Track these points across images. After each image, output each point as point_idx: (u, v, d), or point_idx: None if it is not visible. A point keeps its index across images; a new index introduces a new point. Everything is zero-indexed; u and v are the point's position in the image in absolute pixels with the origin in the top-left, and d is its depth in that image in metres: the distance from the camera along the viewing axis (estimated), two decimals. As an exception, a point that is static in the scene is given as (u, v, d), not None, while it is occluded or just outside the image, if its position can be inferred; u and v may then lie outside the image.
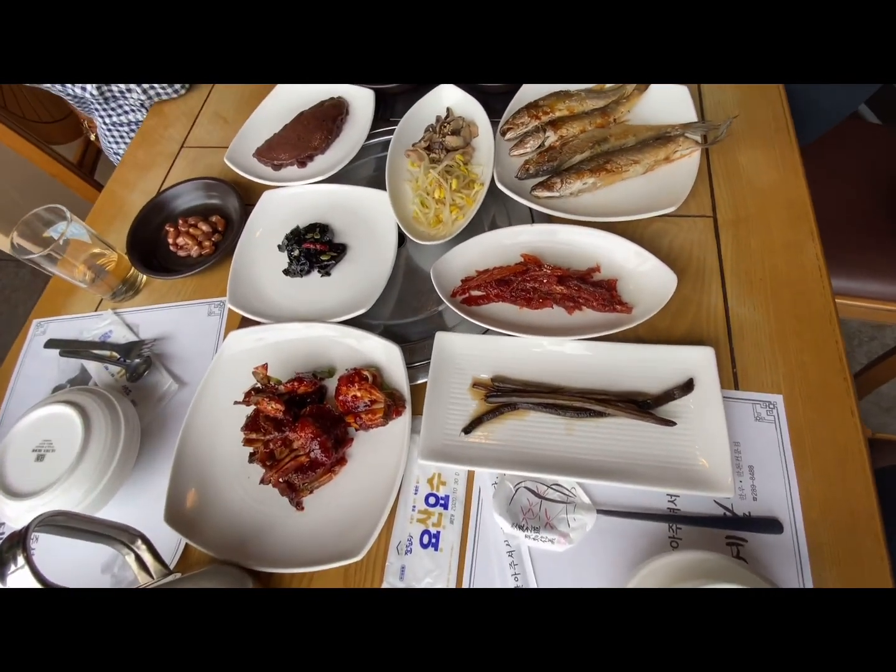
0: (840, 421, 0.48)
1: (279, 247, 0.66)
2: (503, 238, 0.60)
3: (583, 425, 0.49)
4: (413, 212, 0.65)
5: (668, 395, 0.49)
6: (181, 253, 0.69)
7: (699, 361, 0.50)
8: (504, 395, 0.51)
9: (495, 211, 0.67)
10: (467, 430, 0.50)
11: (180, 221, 0.70)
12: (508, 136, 0.67)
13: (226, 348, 0.57)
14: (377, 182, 0.68)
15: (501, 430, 0.50)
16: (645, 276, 0.55)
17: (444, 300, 0.56)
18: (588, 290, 0.54)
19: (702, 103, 0.70)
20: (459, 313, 0.55)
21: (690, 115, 0.65)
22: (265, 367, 0.51)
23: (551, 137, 0.66)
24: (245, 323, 0.62)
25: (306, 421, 0.47)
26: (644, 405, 0.49)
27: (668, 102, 0.67)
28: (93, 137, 1.34)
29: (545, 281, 0.55)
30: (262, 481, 0.48)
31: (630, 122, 0.68)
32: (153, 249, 0.70)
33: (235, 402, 0.51)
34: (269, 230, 0.68)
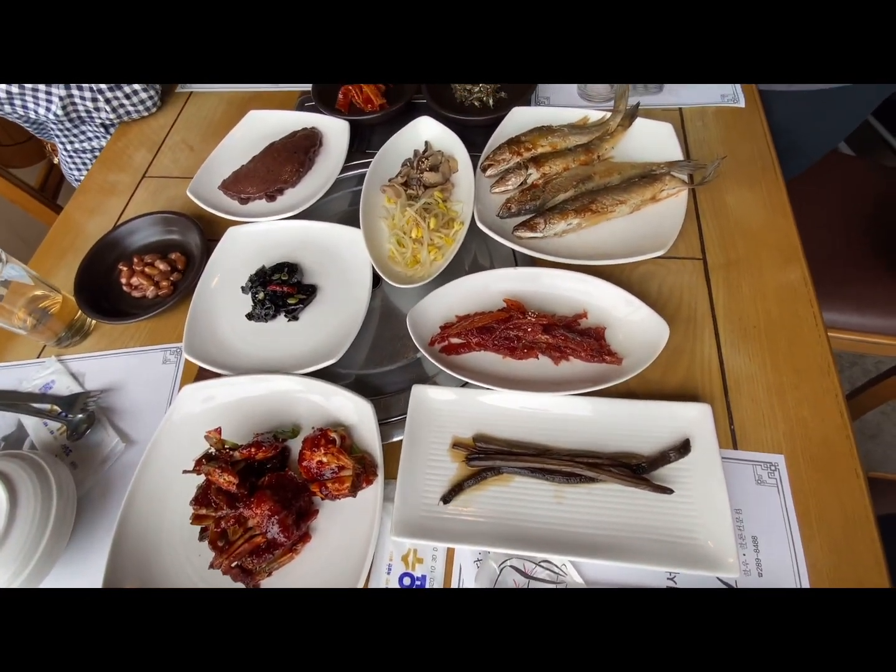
0: (845, 484, 0.45)
1: (243, 288, 0.61)
2: (484, 281, 0.56)
3: (573, 492, 0.45)
4: (389, 251, 0.61)
5: (664, 458, 0.45)
6: (135, 294, 0.64)
7: (695, 419, 0.46)
8: (487, 458, 0.46)
9: (476, 249, 0.64)
10: (446, 498, 0.45)
11: (135, 260, 0.64)
12: (489, 172, 0.64)
13: (178, 406, 0.51)
14: (351, 218, 0.64)
15: (484, 498, 0.45)
16: (635, 324, 0.51)
17: (422, 350, 0.52)
18: (575, 339, 0.50)
19: (686, 140, 0.68)
20: (438, 365, 0.51)
21: (676, 153, 0.63)
22: (219, 430, 0.46)
23: (534, 175, 0.63)
24: (203, 374, 0.56)
25: (264, 495, 0.42)
26: (638, 469, 0.45)
27: (652, 139, 0.65)
28: (56, 161, 1.28)
29: (529, 329, 0.51)
30: (212, 566, 0.42)
31: (614, 159, 0.65)
32: (105, 290, 0.64)
33: (185, 472, 0.45)
34: (232, 270, 0.63)
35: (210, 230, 0.69)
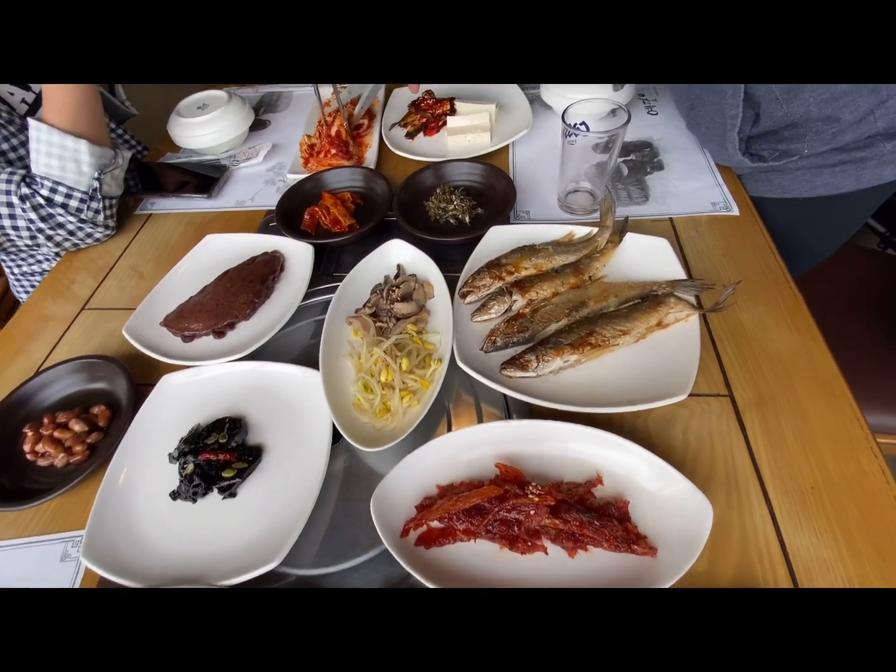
0: None
1: (171, 456, 0.49)
2: (471, 442, 0.45)
3: None
4: (354, 397, 0.51)
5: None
6: (41, 462, 0.51)
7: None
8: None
9: (459, 386, 0.54)
10: None
11: (45, 420, 0.53)
12: (469, 299, 0.56)
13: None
14: (313, 353, 0.54)
15: None
16: (668, 501, 0.40)
17: (390, 547, 0.39)
18: (593, 524, 0.39)
19: (683, 252, 0.62)
20: (412, 571, 0.38)
21: (676, 270, 0.57)
22: None
23: (519, 302, 0.55)
24: (105, 583, 0.43)
25: None
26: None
27: (647, 255, 0.59)
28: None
29: (533, 512, 0.39)
30: None
31: (608, 278, 0.59)
32: (5, 463, 0.52)
33: None
34: (161, 429, 0.52)
35: (147, 374, 0.59)
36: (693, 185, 0.71)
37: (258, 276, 0.63)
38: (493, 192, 0.72)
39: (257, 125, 0.97)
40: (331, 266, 0.69)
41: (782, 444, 0.45)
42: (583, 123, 0.64)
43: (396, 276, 0.61)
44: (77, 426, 0.52)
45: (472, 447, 0.44)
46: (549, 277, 0.56)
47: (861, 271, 0.96)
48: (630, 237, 0.60)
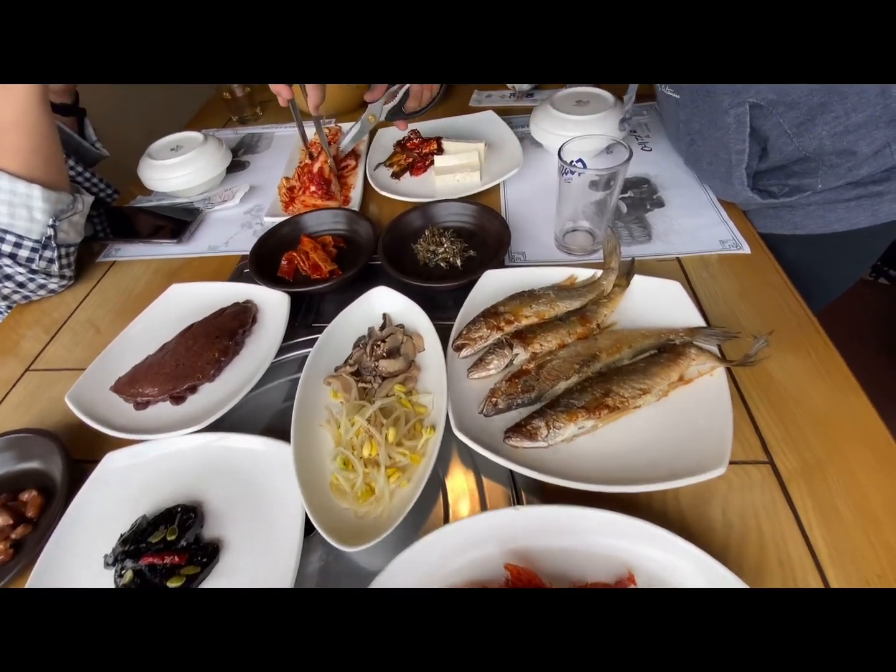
0: None
1: (106, 560, 0.40)
2: (473, 538, 0.37)
3: None
4: (332, 476, 0.43)
5: None
6: (-50, 567, 0.42)
7: None
8: None
9: (456, 456, 0.47)
10: None
11: (-41, 514, 0.44)
12: (464, 353, 0.50)
13: None
14: (285, 419, 0.46)
15: None
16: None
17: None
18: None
19: (696, 294, 0.57)
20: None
21: (692, 316, 0.51)
22: None
23: (521, 355, 0.49)
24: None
25: None
26: None
27: (658, 299, 0.54)
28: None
29: (552, 632, 0.31)
30: None
31: (617, 325, 0.53)
32: None
33: None
34: (101, 521, 0.43)
35: (94, 449, 0.50)
36: (697, 222, 0.67)
37: (226, 331, 0.56)
38: (486, 234, 0.67)
39: (235, 166, 0.92)
40: (309, 316, 0.62)
41: (838, 523, 0.38)
42: (579, 161, 0.61)
43: (382, 328, 0.55)
44: (0, 518, 0.44)
45: (475, 544, 0.37)
46: (553, 327, 0.50)
47: (866, 305, 0.93)
48: (638, 280, 0.55)
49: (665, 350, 0.48)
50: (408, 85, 0.72)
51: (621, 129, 0.74)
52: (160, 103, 1.58)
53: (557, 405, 0.43)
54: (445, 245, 0.64)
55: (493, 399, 0.45)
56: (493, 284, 0.57)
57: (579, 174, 0.58)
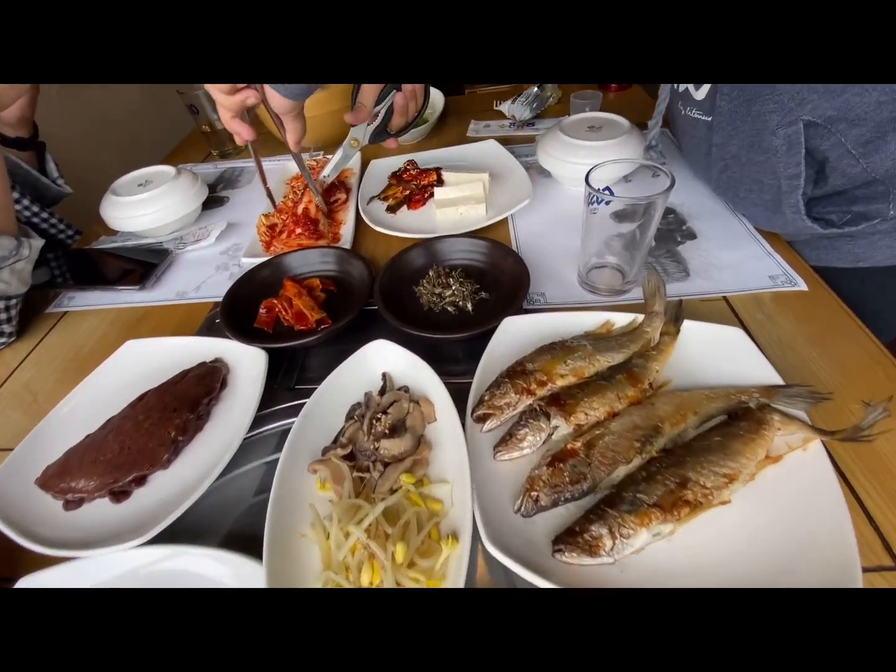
0: None
1: None
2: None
3: None
4: (321, 606, 0.32)
5: None
6: None
7: None
8: None
9: (485, 565, 0.35)
10: None
11: None
12: (489, 426, 0.39)
13: None
14: (257, 521, 0.35)
15: None
16: None
17: None
18: None
19: (756, 342, 0.48)
20: None
21: (759, 366, 0.42)
22: None
23: (562, 428, 0.38)
24: None
25: None
26: None
27: (713, 347, 0.44)
28: None
29: None
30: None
31: (673, 383, 0.43)
32: None
33: None
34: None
35: (12, 565, 0.38)
36: (737, 255, 0.59)
37: (187, 401, 0.45)
38: (499, 273, 0.58)
39: (213, 202, 0.84)
40: (292, 376, 0.52)
41: None
42: (606, 189, 0.53)
43: (382, 392, 0.44)
44: None
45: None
46: (597, 389, 0.40)
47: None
48: (689, 326, 0.46)
49: (740, 417, 0.38)
50: (389, 102, 0.64)
51: (647, 158, 0.67)
52: (139, 137, 1.52)
53: (620, 502, 0.33)
54: (454, 287, 0.55)
55: (533, 493, 0.35)
56: (514, 334, 0.47)
57: (606, 202, 0.50)
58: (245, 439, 0.43)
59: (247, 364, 0.50)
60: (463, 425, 0.39)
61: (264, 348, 0.50)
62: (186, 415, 0.44)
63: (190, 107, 0.93)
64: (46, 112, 1.34)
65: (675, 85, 0.62)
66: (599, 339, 0.46)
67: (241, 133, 0.55)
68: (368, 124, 0.65)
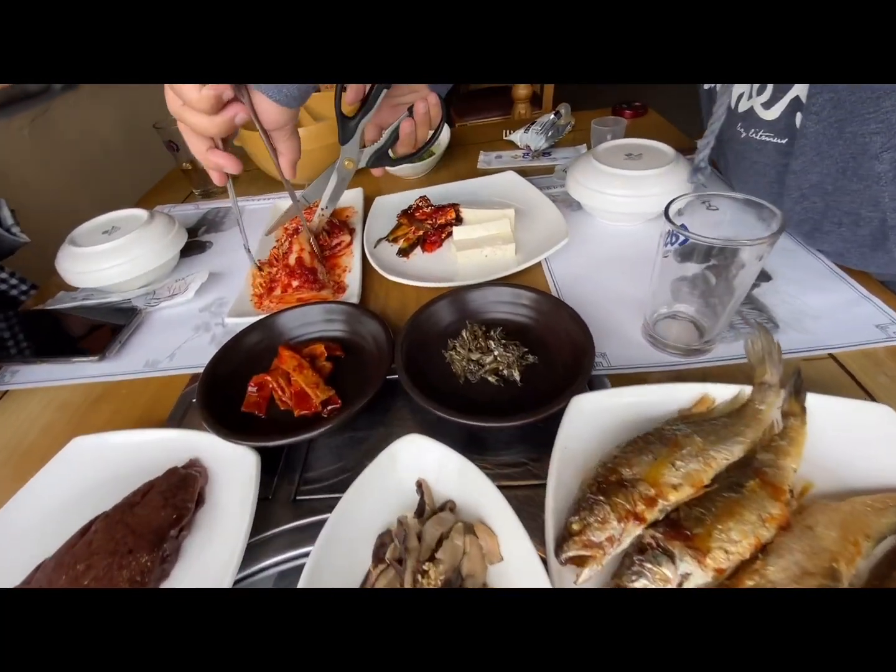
0: None
1: None
2: None
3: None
4: None
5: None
6: None
7: None
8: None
9: None
10: None
11: None
12: (586, 575, 0.27)
13: None
14: None
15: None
16: None
17: None
18: None
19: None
20: None
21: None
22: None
23: (696, 575, 0.27)
24: None
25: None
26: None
27: (856, 432, 0.34)
28: None
29: None
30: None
31: (815, 489, 0.32)
32: None
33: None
34: None
35: None
36: (828, 299, 0.49)
37: (147, 535, 0.32)
38: (546, 330, 0.47)
39: (193, 248, 0.73)
40: (292, 482, 0.39)
41: None
42: (682, 226, 0.43)
43: (420, 511, 0.32)
44: None
45: None
46: (728, 508, 0.29)
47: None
48: (816, 402, 0.35)
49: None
50: (396, 122, 0.54)
51: (691, 182, 0.59)
52: (118, 178, 1.42)
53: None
54: (496, 350, 0.44)
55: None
56: (588, 418, 0.36)
57: (680, 242, 0.41)
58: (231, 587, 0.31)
59: (233, 469, 0.37)
60: (546, 569, 0.27)
61: (256, 447, 0.38)
62: (145, 558, 0.31)
63: (168, 143, 0.84)
64: (15, 155, 1.24)
65: (734, 102, 0.54)
66: (702, 423, 0.35)
67: (226, 165, 0.44)
68: (365, 145, 0.54)
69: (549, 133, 0.86)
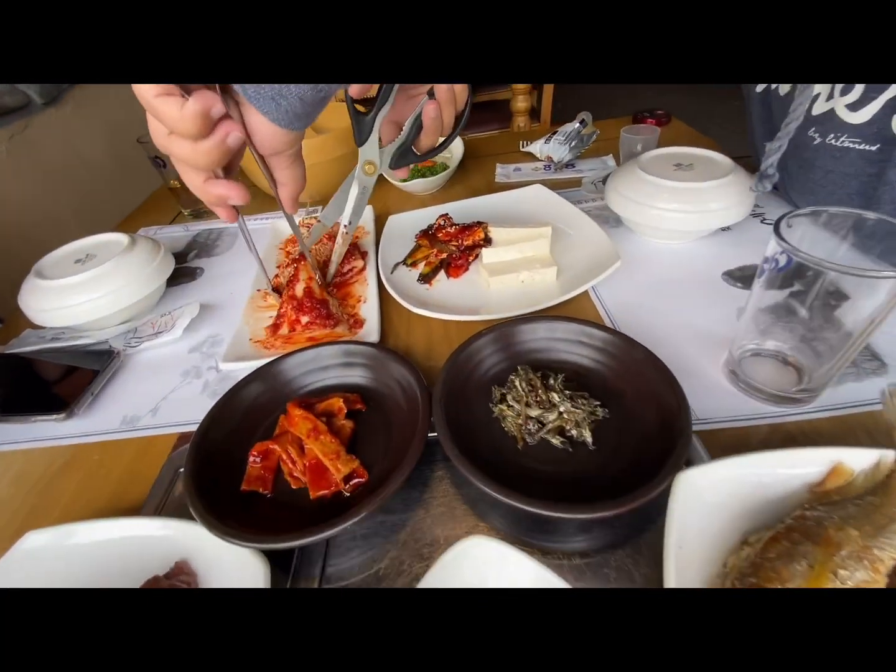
0: None
1: None
2: None
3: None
4: None
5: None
6: None
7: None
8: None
9: None
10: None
11: None
12: None
13: None
14: None
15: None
16: None
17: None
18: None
19: None
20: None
21: None
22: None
23: None
24: None
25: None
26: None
27: None
28: None
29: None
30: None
31: None
32: None
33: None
34: None
35: None
36: (937, 329, 0.42)
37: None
38: (616, 376, 0.39)
39: (182, 276, 0.64)
40: (311, 580, 0.30)
41: None
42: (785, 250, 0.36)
43: None
44: None
45: None
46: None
47: None
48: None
49: None
50: (417, 110, 0.44)
51: (756, 190, 0.51)
52: (102, 199, 1.33)
53: None
54: (562, 406, 0.35)
55: None
56: (699, 501, 0.28)
57: (779, 269, 0.34)
58: None
59: (233, 574, 0.28)
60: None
61: (264, 550, 0.29)
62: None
63: (154, 159, 0.75)
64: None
65: (810, 105, 0.48)
66: (845, 505, 0.27)
67: (229, 194, 0.35)
68: (384, 144, 0.46)
69: (573, 143, 0.79)
